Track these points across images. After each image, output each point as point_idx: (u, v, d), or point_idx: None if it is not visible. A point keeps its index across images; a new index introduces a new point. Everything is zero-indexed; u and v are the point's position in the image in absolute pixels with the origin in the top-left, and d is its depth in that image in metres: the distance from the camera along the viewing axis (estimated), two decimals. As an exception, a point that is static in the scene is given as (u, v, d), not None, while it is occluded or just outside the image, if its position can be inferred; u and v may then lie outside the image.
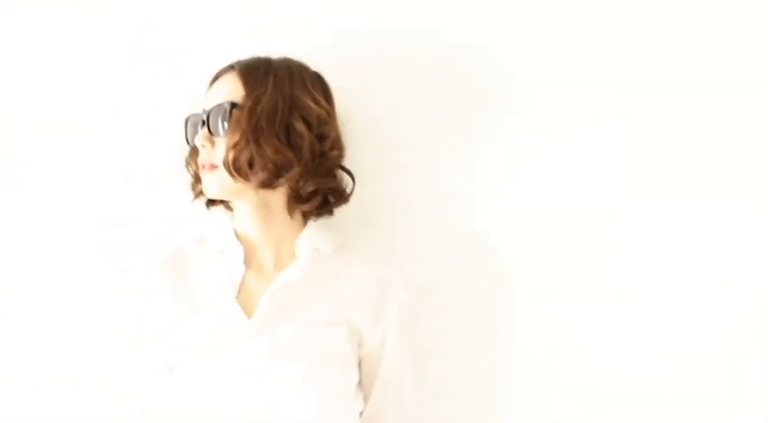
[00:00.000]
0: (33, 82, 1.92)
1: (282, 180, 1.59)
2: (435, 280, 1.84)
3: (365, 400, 1.69)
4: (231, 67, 1.64)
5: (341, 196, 1.69)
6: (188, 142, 1.68)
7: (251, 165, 1.57)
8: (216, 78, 1.66)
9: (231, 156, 1.58)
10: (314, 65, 1.69)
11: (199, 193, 1.71)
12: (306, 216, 1.70)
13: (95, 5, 1.91)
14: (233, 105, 1.59)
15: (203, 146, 1.61)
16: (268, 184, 1.60)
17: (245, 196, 1.63)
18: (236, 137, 1.57)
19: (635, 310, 1.90)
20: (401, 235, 1.85)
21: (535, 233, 1.88)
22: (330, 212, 1.71)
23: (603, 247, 1.89)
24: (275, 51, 1.68)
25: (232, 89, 1.61)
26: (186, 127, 1.68)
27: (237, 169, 1.58)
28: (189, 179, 1.73)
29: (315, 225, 1.70)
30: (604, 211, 1.89)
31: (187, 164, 1.72)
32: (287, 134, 1.59)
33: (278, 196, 1.65)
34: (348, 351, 1.63)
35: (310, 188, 1.63)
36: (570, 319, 1.88)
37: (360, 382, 1.68)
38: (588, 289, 1.88)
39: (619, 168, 1.88)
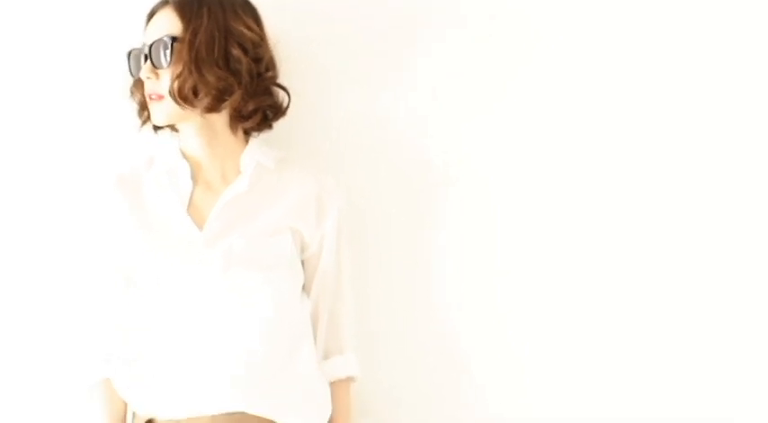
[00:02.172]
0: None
1: (226, 103, 1.74)
2: (371, 188, 2.01)
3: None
4: (166, 3, 1.76)
5: (278, 111, 1.84)
6: (132, 74, 1.81)
7: (195, 92, 1.71)
8: (152, 14, 1.78)
9: (176, 85, 1.71)
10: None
11: (146, 120, 1.84)
12: (247, 133, 1.84)
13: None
14: (173, 39, 1.72)
15: (148, 78, 1.74)
16: (213, 109, 1.74)
17: (190, 120, 1.77)
18: (179, 68, 1.71)
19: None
20: (336, 147, 2.00)
21: (470, 150, 2.03)
22: (270, 127, 1.85)
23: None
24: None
25: (170, 23, 1.74)
26: (129, 60, 1.80)
27: (183, 97, 1.71)
28: (134, 107, 1.85)
29: (256, 141, 1.84)
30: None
31: (132, 94, 1.84)
32: (226, 61, 1.73)
33: (221, 117, 1.79)
34: (294, 255, 1.80)
35: (251, 107, 1.78)
36: (499, 232, 2.05)
37: (304, 285, 1.85)
38: (516, 202, 2.05)
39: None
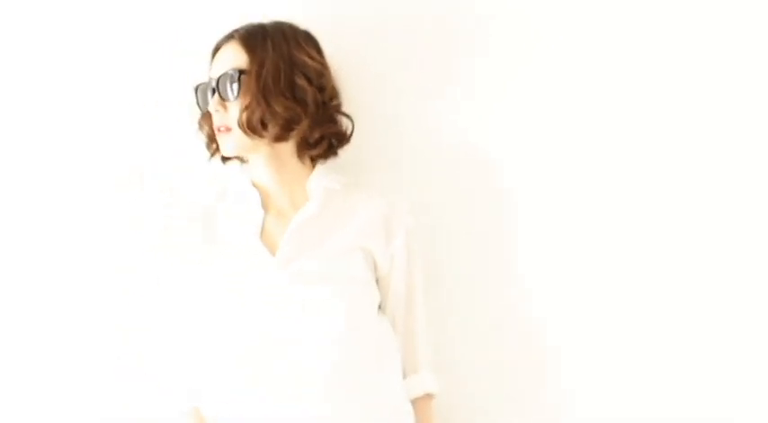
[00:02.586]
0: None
1: (294, 133, 1.79)
2: (437, 209, 2.04)
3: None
4: (231, 37, 1.82)
5: (343, 138, 1.89)
6: (199, 108, 1.87)
7: (263, 123, 1.77)
8: (217, 48, 1.84)
9: (245, 117, 1.77)
10: (301, 24, 1.87)
11: (214, 152, 1.90)
12: (314, 160, 1.89)
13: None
14: (240, 72, 1.77)
15: (216, 111, 1.80)
16: (281, 138, 1.80)
17: (258, 150, 1.82)
18: (248, 99, 1.76)
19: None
20: (401, 169, 2.05)
21: (534, 155, 2.05)
22: (335, 154, 1.90)
23: (605, 171, 2.05)
24: (264, 14, 1.86)
25: (236, 57, 1.79)
26: (196, 94, 1.86)
27: (252, 128, 1.77)
28: (203, 140, 1.91)
29: (322, 167, 1.89)
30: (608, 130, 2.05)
31: (200, 127, 1.90)
32: (292, 91, 1.78)
33: (288, 146, 1.84)
34: (366, 273, 1.83)
35: (317, 135, 1.83)
36: (571, 237, 2.05)
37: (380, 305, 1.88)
38: (589, 209, 2.05)
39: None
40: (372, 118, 2.01)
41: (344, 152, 1.93)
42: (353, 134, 1.91)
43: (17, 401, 2.11)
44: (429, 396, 1.89)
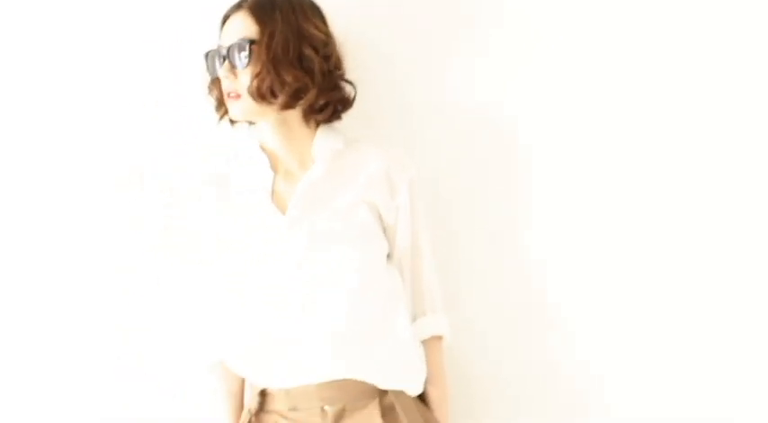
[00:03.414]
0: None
1: (302, 101, 1.88)
2: (442, 162, 2.15)
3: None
4: (239, 6, 1.90)
5: (347, 103, 1.98)
6: (209, 73, 1.95)
7: (273, 91, 1.85)
8: (227, 17, 1.91)
9: (255, 85, 1.85)
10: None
11: (223, 115, 1.98)
12: (318, 123, 1.97)
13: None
14: (251, 42, 1.85)
15: (226, 77, 1.88)
16: (289, 106, 1.88)
17: (266, 116, 1.91)
18: (258, 68, 1.84)
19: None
20: (402, 128, 2.15)
21: (543, 114, 2.14)
22: (339, 118, 1.99)
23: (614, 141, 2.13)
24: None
25: (246, 27, 1.87)
26: (206, 60, 1.93)
27: (261, 96, 1.85)
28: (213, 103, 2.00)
29: (324, 128, 1.97)
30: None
31: (209, 91, 1.99)
32: (300, 61, 1.87)
33: (295, 112, 1.92)
34: (374, 226, 1.93)
35: (322, 102, 1.91)
36: (580, 196, 2.15)
37: (388, 255, 1.99)
38: (600, 166, 2.14)
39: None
40: (376, 78, 2.11)
41: (351, 113, 2.01)
42: (357, 97, 1.99)
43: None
44: (437, 338, 2.00)
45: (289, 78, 1.85)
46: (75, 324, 2.19)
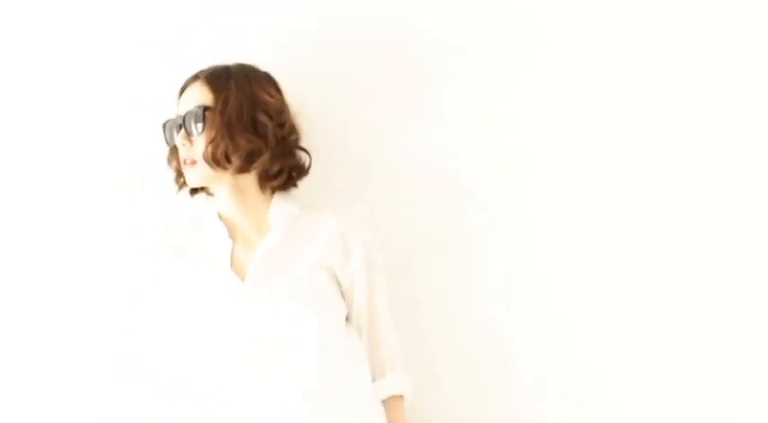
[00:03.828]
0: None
1: (256, 164, 1.92)
2: (399, 217, 2.18)
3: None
4: (196, 78, 1.96)
5: (302, 171, 2.03)
6: (167, 143, 2.00)
7: (227, 155, 1.90)
8: (184, 88, 1.98)
9: (210, 150, 1.90)
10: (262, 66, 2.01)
11: (182, 185, 2.03)
12: (273, 190, 2.01)
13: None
14: (205, 108, 1.91)
15: (183, 145, 1.93)
16: (243, 170, 1.93)
17: (222, 182, 1.95)
18: (213, 133, 1.90)
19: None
20: (360, 190, 2.19)
21: (497, 169, 2.18)
22: (295, 185, 2.04)
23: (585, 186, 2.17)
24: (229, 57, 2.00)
25: (201, 95, 1.93)
26: (164, 131, 1.99)
27: (216, 161, 1.90)
28: (172, 175, 2.04)
29: (280, 195, 2.02)
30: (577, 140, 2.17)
31: (169, 162, 2.04)
32: (254, 126, 1.92)
33: (250, 178, 1.97)
34: (331, 289, 1.96)
35: (276, 168, 1.96)
36: (547, 259, 2.17)
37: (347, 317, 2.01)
38: (569, 225, 2.17)
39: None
40: (333, 144, 2.16)
41: (309, 178, 2.06)
42: (311, 167, 2.04)
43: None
44: (398, 397, 2.00)
45: (242, 142, 1.90)
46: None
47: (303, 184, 2.06)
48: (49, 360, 2.19)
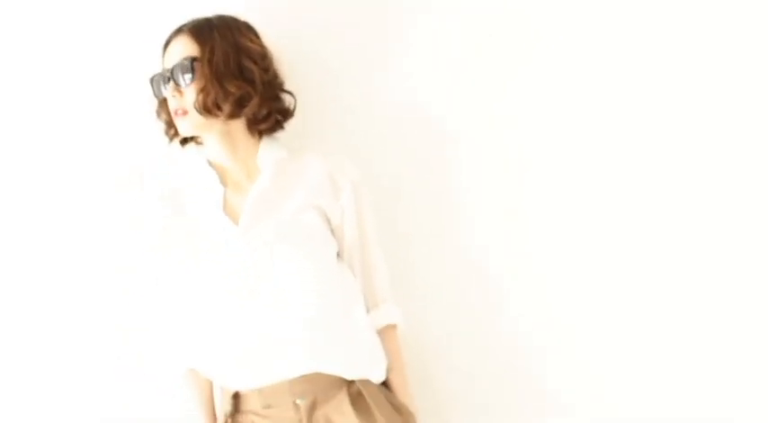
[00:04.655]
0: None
1: (246, 110, 2.00)
2: (383, 164, 2.26)
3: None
4: (179, 31, 2.03)
5: (287, 113, 2.11)
6: (156, 96, 2.07)
7: (217, 103, 1.97)
8: (168, 42, 2.04)
9: (200, 99, 1.97)
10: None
11: (173, 136, 2.10)
12: (261, 134, 2.09)
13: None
14: (193, 59, 1.99)
15: (173, 96, 2.00)
16: (234, 115, 2.00)
17: (213, 129, 2.03)
18: (202, 83, 1.97)
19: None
20: (344, 133, 2.27)
21: (472, 110, 2.25)
22: (282, 127, 2.12)
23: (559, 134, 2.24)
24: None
25: (186, 47, 2.00)
26: (152, 85, 2.05)
27: (207, 109, 1.98)
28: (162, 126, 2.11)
29: (267, 139, 2.10)
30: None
31: (158, 114, 2.11)
32: (241, 72, 2.00)
33: (239, 123, 2.05)
34: (322, 228, 2.05)
35: (265, 111, 2.04)
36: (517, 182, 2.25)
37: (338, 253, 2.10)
38: (542, 151, 2.25)
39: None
40: (314, 87, 2.23)
41: (291, 124, 2.13)
42: (296, 108, 2.13)
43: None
44: (392, 326, 2.11)
45: (232, 89, 1.98)
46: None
47: (288, 129, 2.13)
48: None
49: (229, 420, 2.03)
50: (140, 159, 2.21)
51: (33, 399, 2.22)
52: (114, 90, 2.25)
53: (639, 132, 2.24)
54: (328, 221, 2.08)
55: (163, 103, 2.08)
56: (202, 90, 1.98)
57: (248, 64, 2.01)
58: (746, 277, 2.21)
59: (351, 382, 2.01)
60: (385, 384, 2.08)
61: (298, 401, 1.98)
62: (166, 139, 2.13)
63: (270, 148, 2.09)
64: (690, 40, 2.22)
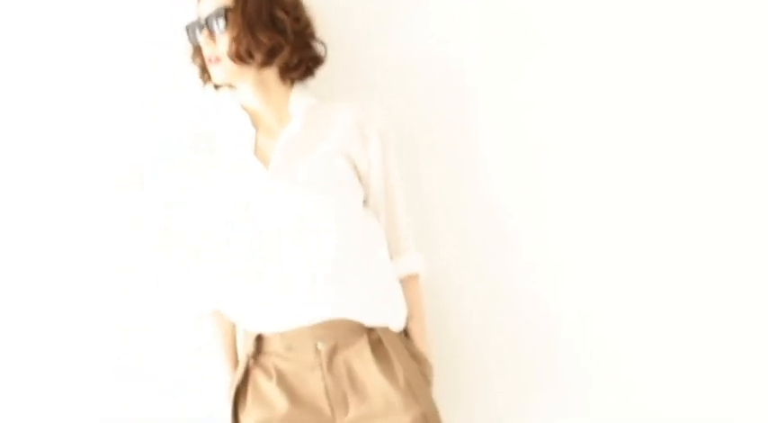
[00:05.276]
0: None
1: (278, 59, 2.03)
2: (410, 114, 2.28)
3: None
4: None
5: (318, 60, 2.14)
6: (191, 42, 2.10)
7: (249, 52, 2.01)
8: None
9: (233, 47, 2.00)
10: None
11: (207, 80, 2.14)
12: (293, 81, 2.12)
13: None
14: (227, 9, 2.01)
15: (207, 44, 2.03)
16: (266, 64, 2.04)
17: (245, 76, 2.06)
18: (235, 32, 2.00)
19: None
20: (373, 83, 2.30)
21: (500, 65, 2.27)
22: (312, 74, 2.14)
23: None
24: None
25: None
26: (188, 32, 2.09)
27: (240, 57, 2.01)
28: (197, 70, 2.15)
29: (299, 87, 2.13)
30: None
31: (193, 59, 2.14)
32: (273, 22, 2.02)
33: (271, 71, 2.08)
34: (350, 174, 2.08)
35: (296, 60, 2.07)
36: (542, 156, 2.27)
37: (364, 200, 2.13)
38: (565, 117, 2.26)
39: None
40: (345, 38, 2.26)
41: (321, 72, 2.16)
42: (327, 56, 2.15)
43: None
44: (414, 276, 2.15)
45: (264, 39, 2.00)
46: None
47: (317, 75, 2.15)
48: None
49: (252, 361, 2.09)
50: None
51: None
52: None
53: (664, 118, 2.24)
54: (356, 168, 2.11)
55: (197, 49, 2.11)
56: (235, 39, 2.01)
57: (280, 14, 2.03)
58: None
59: (371, 330, 2.06)
60: (404, 333, 2.12)
61: (319, 345, 2.03)
62: (200, 82, 2.16)
63: (301, 96, 2.12)
64: (720, 17, 2.21)
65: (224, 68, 2.04)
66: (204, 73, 2.13)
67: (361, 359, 2.04)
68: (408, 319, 2.12)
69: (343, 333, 2.04)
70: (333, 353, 2.04)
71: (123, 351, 2.25)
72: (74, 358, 2.26)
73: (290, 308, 2.02)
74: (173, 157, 2.14)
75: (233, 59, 2.02)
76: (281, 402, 2.03)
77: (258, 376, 2.07)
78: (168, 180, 2.15)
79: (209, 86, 2.16)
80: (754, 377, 2.22)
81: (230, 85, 2.15)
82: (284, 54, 2.04)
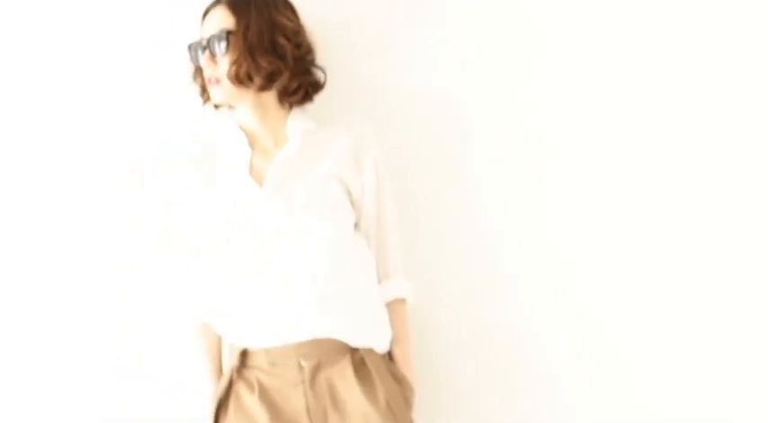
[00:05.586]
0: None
1: (276, 83, 2.09)
2: (403, 135, 2.32)
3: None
4: (218, 2, 2.11)
5: (318, 86, 2.19)
6: (193, 62, 2.16)
7: (249, 75, 2.06)
8: (207, 12, 2.12)
9: (233, 70, 2.06)
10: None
11: (206, 100, 2.19)
12: (291, 105, 2.17)
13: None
14: (228, 32, 2.07)
15: (208, 65, 2.09)
16: (264, 88, 2.09)
17: (244, 99, 2.11)
18: (235, 55, 2.05)
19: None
20: (369, 111, 2.33)
21: (497, 96, 2.29)
22: (311, 100, 2.19)
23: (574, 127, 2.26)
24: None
25: (223, 20, 2.08)
26: (190, 51, 2.15)
27: (239, 80, 2.06)
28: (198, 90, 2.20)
29: (297, 111, 2.18)
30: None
31: (194, 78, 2.20)
32: (273, 48, 2.08)
33: (270, 94, 2.13)
34: (343, 198, 2.12)
35: (295, 85, 2.12)
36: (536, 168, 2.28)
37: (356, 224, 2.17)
38: (552, 139, 2.27)
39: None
40: (345, 66, 2.30)
41: (320, 97, 2.20)
42: (326, 82, 2.19)
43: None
44: (401, 300, 2.19)
45: (264, 63, 2.06)
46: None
47: (317, 102, 2.19)
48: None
49: (235, 374, 2.12)
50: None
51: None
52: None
53: (662, 122, 2.25)
54: (349, 193, 2.15)
55: (198, 68, 2.17)
56: (235, 62, 2.06)
57: (281, 40, 2.08)
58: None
59: (355, 350, 2.09)
60: (388, 356, 2.16)
61: (302, 362, 2.07)
62: (200, 101, 2.22)
63: (299, 119, 2.17)
64: (720, 17, 2.22)
65: (223, 90, 2.09)
66: (204, 92, 2.19)
67: (343, 378, 2.07)
68: (393, 342, 2.16)
69: (328, 352, 2.07)
70: (316, 370, 2.07)
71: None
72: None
73: (276, 325, 2.06)
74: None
75: (232, 82, 2.07)
76: (261, 416, 2.06)
77: (241, 389, 2.11)
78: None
79: (209, 106, 2.21)
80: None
81: (229, 106, 2.21)
82: (283, 79, 2.09)
